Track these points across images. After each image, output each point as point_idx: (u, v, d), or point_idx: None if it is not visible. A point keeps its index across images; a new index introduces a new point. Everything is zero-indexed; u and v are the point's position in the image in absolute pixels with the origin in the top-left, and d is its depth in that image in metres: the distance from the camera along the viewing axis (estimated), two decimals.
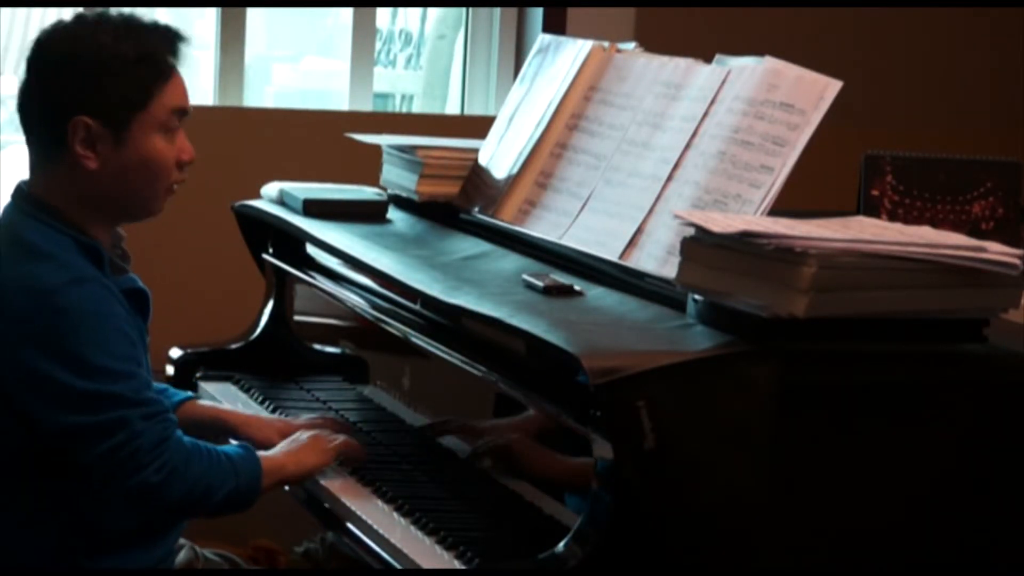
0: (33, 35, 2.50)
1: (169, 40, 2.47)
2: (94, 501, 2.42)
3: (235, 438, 2.74)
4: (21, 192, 2.48)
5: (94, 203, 2.44)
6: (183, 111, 2.47)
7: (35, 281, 2.37)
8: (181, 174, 2.48)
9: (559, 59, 3.00)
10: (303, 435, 2.63)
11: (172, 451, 2.37)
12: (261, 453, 2.55)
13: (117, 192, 2.44)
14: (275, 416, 2.87)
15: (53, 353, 2.34)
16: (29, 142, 2.49)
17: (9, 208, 2.49)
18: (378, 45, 4.56)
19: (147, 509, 2.42)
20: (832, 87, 2.47)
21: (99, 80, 2.40)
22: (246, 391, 3.08)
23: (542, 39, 3.11)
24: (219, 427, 2.75)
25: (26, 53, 2.48)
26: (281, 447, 2.62)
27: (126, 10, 2.48)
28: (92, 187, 2.43)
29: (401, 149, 3.16)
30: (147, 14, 2.51)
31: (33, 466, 2.40)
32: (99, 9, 2.47)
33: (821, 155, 2.69)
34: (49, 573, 2.44)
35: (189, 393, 2.82)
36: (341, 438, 2.62)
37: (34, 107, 2.46)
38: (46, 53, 2.45)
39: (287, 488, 2.64)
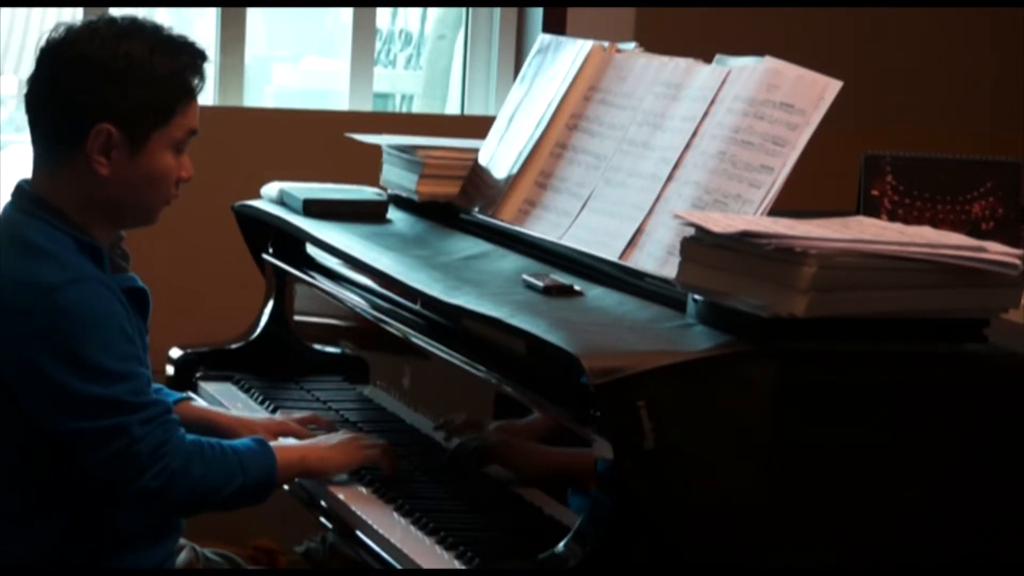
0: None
1: (198, 60, 2.48)
2: (96, 501, 2.42)
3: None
4: (22, 191, 2.48)
5: (96, 206, 2.44)
6: (194, 131, 2.49)
7: (35, 279, 2.37)
8: (176, 190, 2.50)
9: (559, 59, 3.00)
10: (341, 434, 2.64)
11: (171, 454, 2.37)
12: (280, 445, 2.55)
13: (119, 200, 2.45)
14: (267, 416, 2.87)
15: (54, 353, 2.34)
16: (35, 138, 2.47)
17: (9, 207, 2.49)
18: (378, 45, 4.56)
19: (151, 512, 2.44)
20: (832, 87, 2.47)
21: (127, 90, 2.40)
22: (246, 391, 3.08)
23: (542, 39, 3.11)
24: (210, 429, 2.74)
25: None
26: (310, 441, 2.63)
27: (157, 21, 2.49)
28: (96, 192, 2.43)
29: (401, 149, 3.16)
30: (148, 14, 2.51)
31: (36, 466, 2.41)
32: (131, 16, 2.48)
33: (821, 155, 2.69)
34: (50, 573, 2.44)
35: (183, 394, 2.82)
36: (378, 444, 2.61)
37: (51, 105, 2.45)
38: (72, 53, 2.43)
39: (287, 488, 2.64)
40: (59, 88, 2.44)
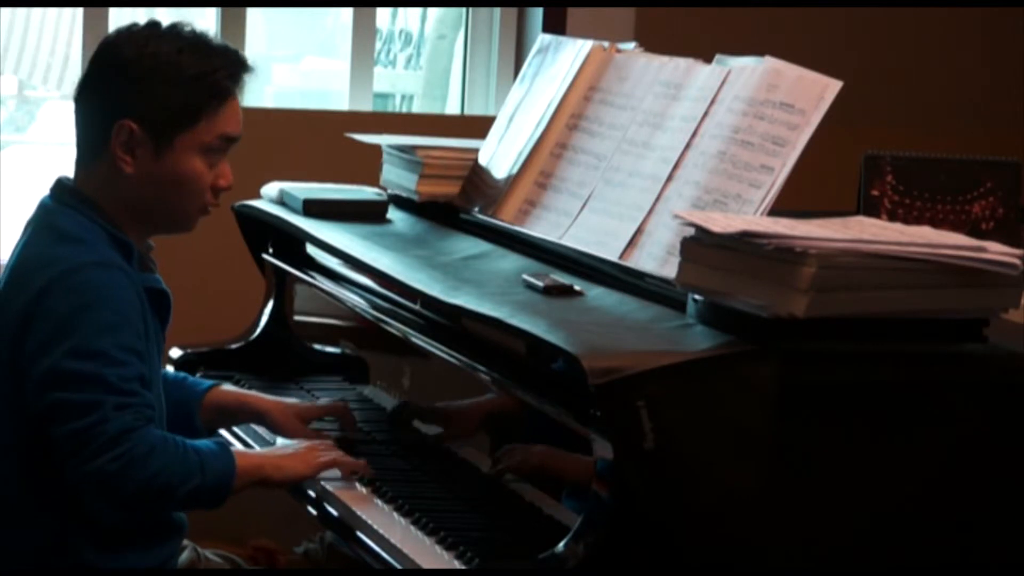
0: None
1: (232, 65, 2.49)
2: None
3: (260, 424, 2.78)
4: (61, 184, 2.52)
5: (127, 205, 2.48)
6: (232, 138, 2.49)
7: (59, 259, 2.40)
8: (215, 199, 2.51)
9: (559, 59, 3.00)
10: (299, 443, 2.62)
11: (135, 443, 2.34)
12: (240, 451, 2.55)
13: (147, 200, 2.48)
14: (296, 400, 2.86)
15: (58, 328, 2.35)
16: (77, 135, 2.52)
17: (46, 198, 2.53)
18: (378, 45, 4.55)
19: (102, 499, 2.39)
20: (832, 87, 2.47)
21: (152, 89, 2.43)
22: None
23: (542, 39, 3.11)
24: (245, 412, 2.77)
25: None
26: (268, 449, 2.63)
27: (200, 28, 2.51)
28: (126, 191, 2.47)
29: (401, 149, 3.16)
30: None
31: (38, 463, 2.41)
32: (176, 21, 2.51)
33: (821, 155, 2.69)
34: (49, 573, 2.44)
35: (214, 380, 2.82)
36: (333, 455, 2.59)
37: (88, 102, 2.50)
38: (110, 52, 2.48)
39: (286, 488, 2.64)
40: (91, 86, 2.49)
